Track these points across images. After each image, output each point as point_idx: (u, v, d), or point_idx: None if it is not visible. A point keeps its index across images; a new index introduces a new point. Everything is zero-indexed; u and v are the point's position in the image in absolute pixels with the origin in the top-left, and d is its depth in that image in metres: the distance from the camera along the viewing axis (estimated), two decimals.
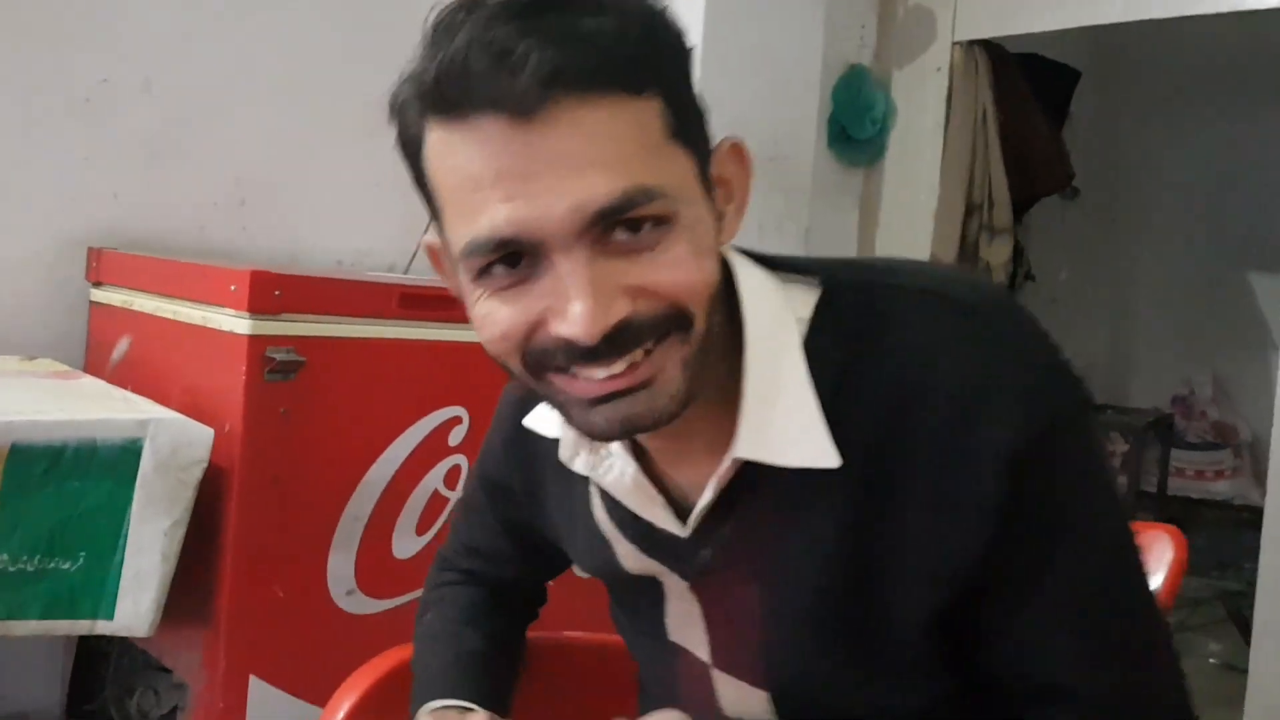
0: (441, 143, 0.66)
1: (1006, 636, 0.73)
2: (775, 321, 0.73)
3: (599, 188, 0.63)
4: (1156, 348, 4.47)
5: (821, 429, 0.71)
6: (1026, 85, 3.23)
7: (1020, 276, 3.54)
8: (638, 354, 0.66)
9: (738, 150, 0.73)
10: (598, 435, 0.70)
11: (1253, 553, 2.27)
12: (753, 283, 0.74)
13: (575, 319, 0.64)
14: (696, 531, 0.77)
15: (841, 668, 0.76)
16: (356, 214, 2.14)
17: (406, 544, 1.61)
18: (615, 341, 0.65)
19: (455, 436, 1.63)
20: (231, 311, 1.44)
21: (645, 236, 0.65)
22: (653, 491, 0.78)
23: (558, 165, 0.63)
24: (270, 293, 1.43)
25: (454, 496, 1.64)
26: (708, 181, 0.70)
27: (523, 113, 0.62)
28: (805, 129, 2.60)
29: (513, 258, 0.65)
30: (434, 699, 0.90)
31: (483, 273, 0.67)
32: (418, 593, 1.57)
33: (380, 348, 1.55)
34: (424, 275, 2.11)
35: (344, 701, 0.96)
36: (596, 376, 0.67)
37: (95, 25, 1.85)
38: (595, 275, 0.64)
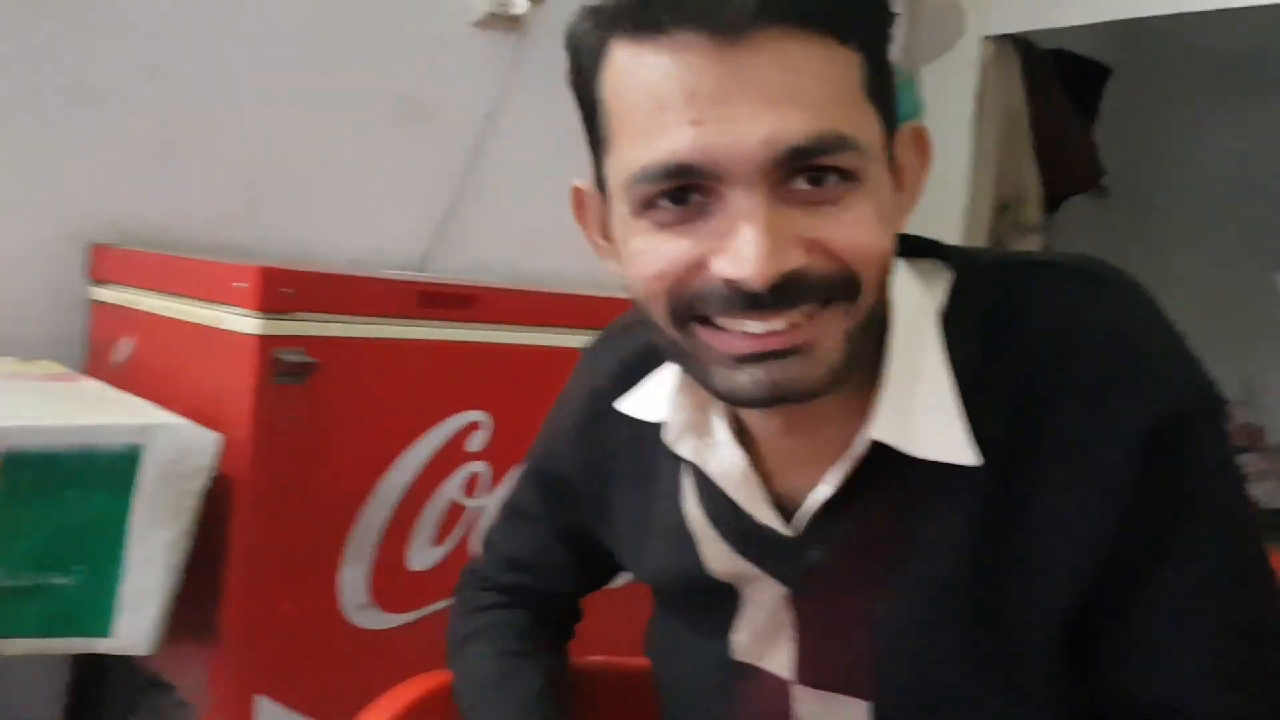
0: (629, 60, 0.63)
1: (1122, 641, 0.68)
2: (919, 309, 0.71)
3: (795, 123, 0.60)
4: None
5: (960, 423, 0.68)
6: (1057, 81, 3.18)
7: None
8: (800, 314, 0.62)
9: (921, 137, 0.70)
10: (740, 399, 0.66)
11: None
12: (899, 267, 0.71)
13: (747, 259, 0.60)
14: (804, 532, 0.74)
15: (959, 678, 0.71)
16: (372, 211, 2.07)
17: (423, 555, 1.54)
18: (782, 293, 0.61)
19: (475, 442, 1.55)
20: (239, 310, 1.37)
21: (830, 189, 0.62)
22: (759, 489, 0.75)
23: (756, 94, 0.59)
24: (280, 290, 1.35)
25: (472, 505, 1.57)
26: (892, 155, 0.67)
27: (728, 34, 0.59)
28: None
29: (681, 194, 0.62)
30: None
31: (647, 205, 0.64)
32: (435, 606, 1.54)
33: (397, 349, 1.48)
34: (443, 273, 2.04)
35: None
36: (753, 330, 0.63)
37: (97, 8, 1.77)
38: (773, 218, 0.61)
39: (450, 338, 1.52)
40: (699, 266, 0.63)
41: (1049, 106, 3.10)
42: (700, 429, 0.76)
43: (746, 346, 0.63)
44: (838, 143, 0.61)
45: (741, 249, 0.60)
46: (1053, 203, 3.25)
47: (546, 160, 2.10)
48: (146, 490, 1.27)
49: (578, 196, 0.74)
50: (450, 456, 1.54)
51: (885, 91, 0.65)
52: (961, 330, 0.70)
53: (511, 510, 0.99)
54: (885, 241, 0.64)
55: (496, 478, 1.57)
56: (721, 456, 0.76)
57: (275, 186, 1.96)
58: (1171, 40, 3.97)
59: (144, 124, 1.82)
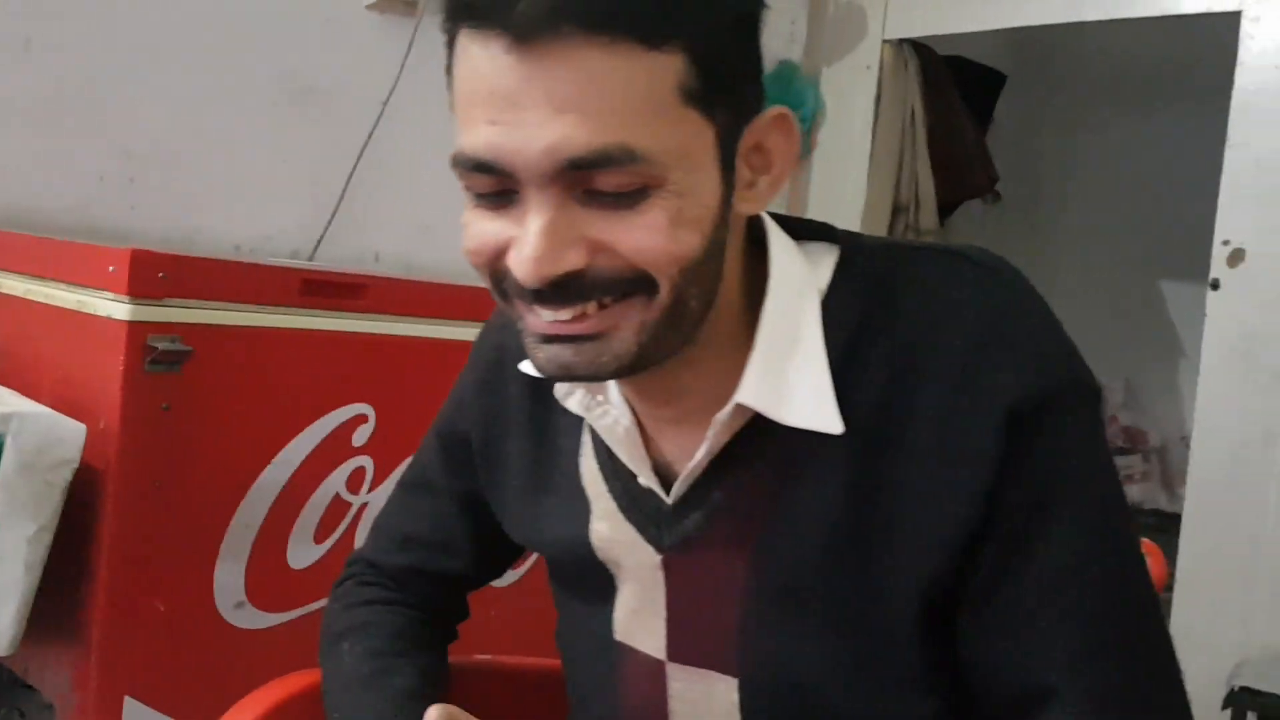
0: (460, 49, 0.65)
1: (991, 620, 0.69)
2: (800, 282, 0.72)
3: (579, 137, 0.61)
4: None
5: (829, 394, 0.70)
6: (954, 87, 3.24)
7: None
8: (589, 306, 0.65)
9: (784, 120, 0.70)
10: (539, 370, 0.70)
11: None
12: (782, 245, 0.74)
13: (521, 261, 0.63)
14: (682, 499, 0.76)
15: (825, 652, 0.72)
16: (262, 198, 2.01)
17: (303, 553, 1.49)
18: (562, 290, 0.64)
19: (360, 436, 1.51)
20: (110, 295, 1.31)
21: (621, 195, 0.63)
22: (642, 451, 0.77)
23: (544, 102, 0.61)
24: (154, 275, 1.30)
25: (357, 501, 1.53)
26: (731, 149, 0.67)
27: (523, 38, 0.60)
28: None
29: (493, 179, 0.64)
30: None
31: (468, 186, 0.67)
32: (314, 605, 1.50)
33: (277, 338, 1.43)
34: (335, 263, 1.99)
35: None
36: (544, 316, 0.66)
37: None
38: (557, 221, 0.63)
39: (335, 328, 1.48)
40: (503, 251, 0.65)
41: (946, 112, 3.16)
42: (593, 387, 0.78)
43: (545, 328, 0.66)
44: (622, 156, 0.61)
45: (521, 249, 0.63)
46: (947, 208, 3.31)
47: (444, 147, 2.04)
48: (7, 482, 1.22)
49: None
50: (334, 450, 1.50)
51: (724, 89, 0.65)
52: (841, 306, 0.71)
53: (409, 483, 0.97)
54: (679, 244, 0.64)
55: (382, 473, 1.54)
56: (608, 412, 0.77)
57: (156, 169, 1.89)
58: (1065, 50, 4.08)
59: (15, 98, 1.74)
